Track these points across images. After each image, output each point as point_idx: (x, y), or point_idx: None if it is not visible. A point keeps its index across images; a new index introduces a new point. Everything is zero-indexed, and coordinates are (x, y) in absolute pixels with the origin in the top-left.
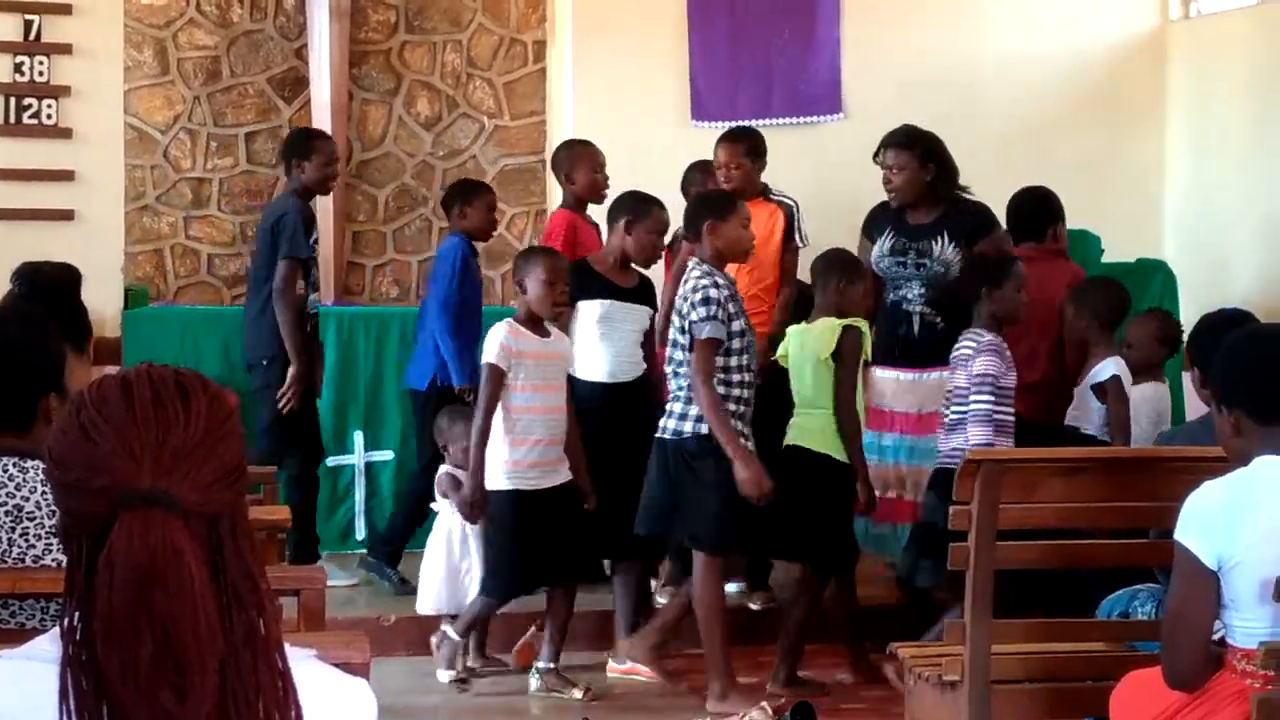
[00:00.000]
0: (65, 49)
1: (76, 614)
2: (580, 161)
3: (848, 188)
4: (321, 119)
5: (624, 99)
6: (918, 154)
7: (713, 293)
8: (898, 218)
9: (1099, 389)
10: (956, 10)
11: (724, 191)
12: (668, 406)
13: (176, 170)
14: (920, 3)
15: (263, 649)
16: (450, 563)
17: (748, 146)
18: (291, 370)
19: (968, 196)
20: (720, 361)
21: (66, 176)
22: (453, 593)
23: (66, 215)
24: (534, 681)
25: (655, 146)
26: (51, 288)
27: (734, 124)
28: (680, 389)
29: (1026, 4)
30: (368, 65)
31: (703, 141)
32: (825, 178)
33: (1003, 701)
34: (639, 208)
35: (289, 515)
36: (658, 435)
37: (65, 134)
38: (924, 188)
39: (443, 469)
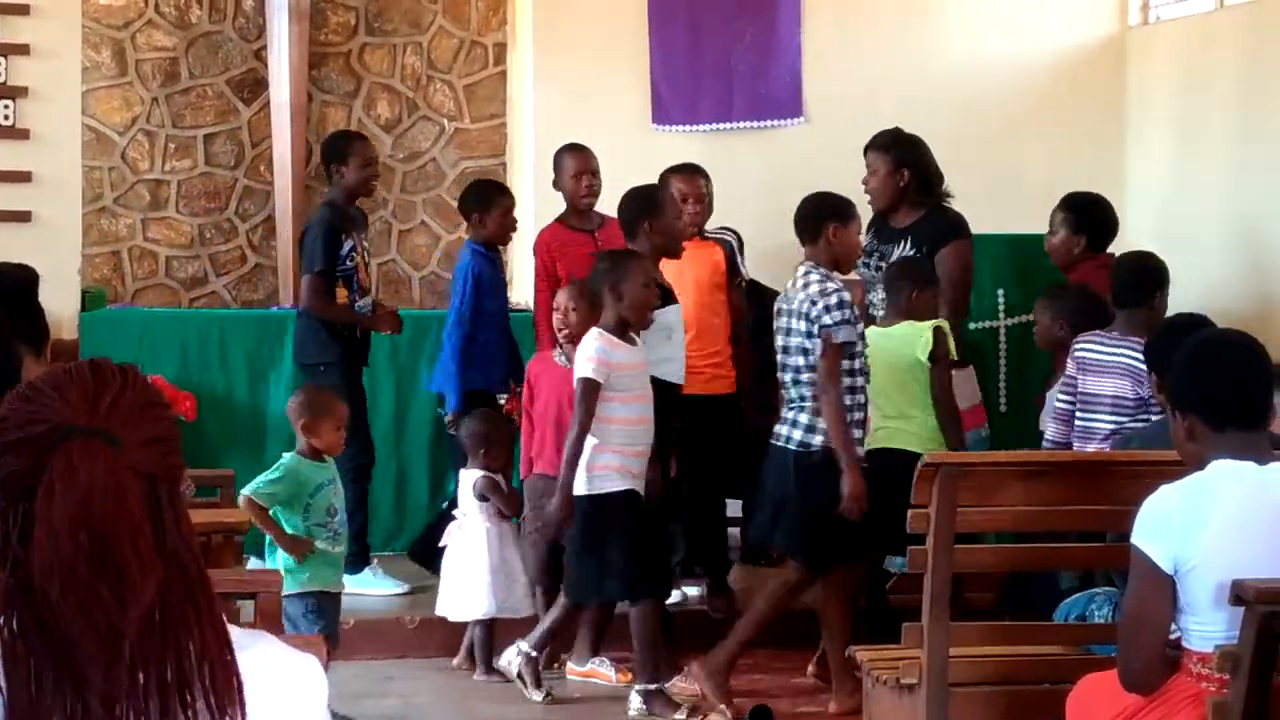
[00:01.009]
0: (23, 49)
1: (8, 580)
2: (560, 171)
3: (808, 191)
4: (280, 121)
5: (585, 102)
6: (892, 158)
7: (845, 295)
8: (881, 221)
9: None
10: (917, 15)
11: (842, 196)
12: (789, 415)
13: (134, 172)
14: (881, 7)
15: (206, 606)
16: (491, 565)
17: (707, 180)
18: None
19: (949, 205)
20: (845, 365)
21: (24, 178)
22: (496, 595)
23: (24, 217)
24: (511, 658)
25: (616, 149)
26: (8, 289)
27: (692, 128)
28: (803, 397)
29: (986, 10)
30: (327, 67)
31: (664, 145)
32: (786, 181)
33: (960, 704)
34: (648, 203)
35: (245, 519)
36: (776, 444)
37: (23, 135)
38: (897, 193)
39: (479, 474)
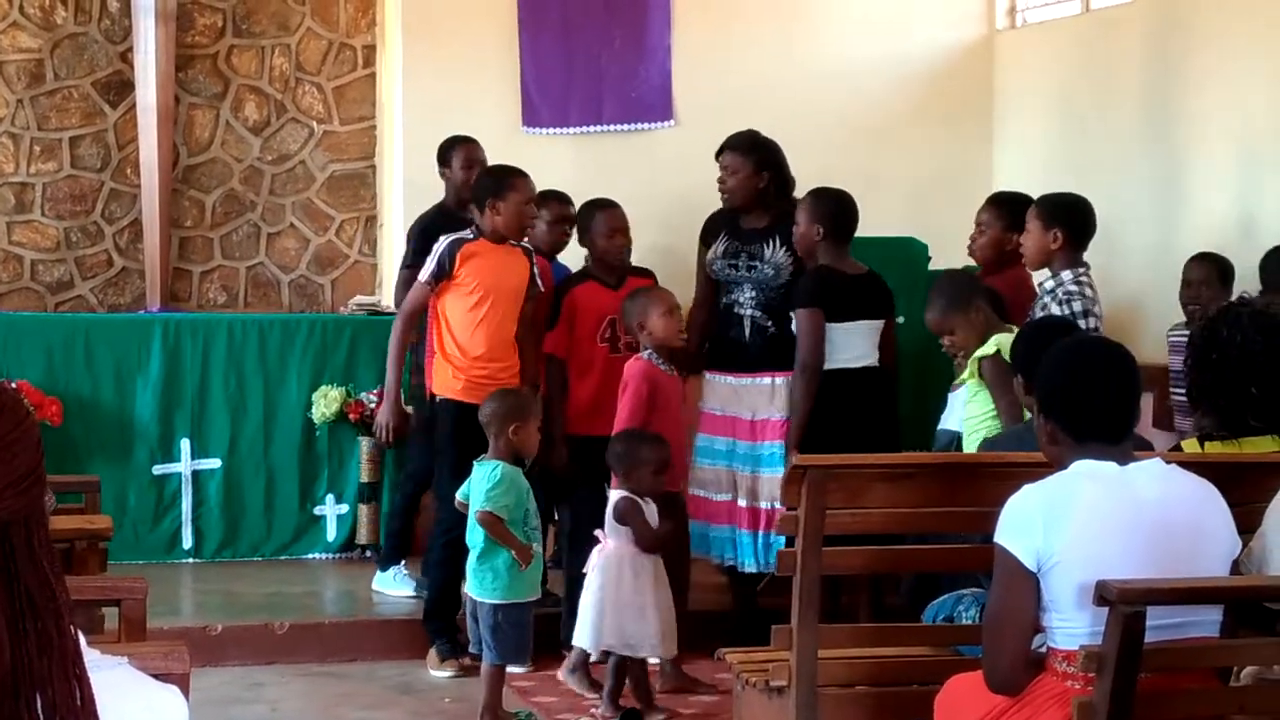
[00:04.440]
0: None
1: None
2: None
3: (679, 195)
4: (147, 123)
5: (454, 105)
6: (753, 160)
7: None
8: (732, 222)
9: None
10: (786, 18)
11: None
12: None
13: None
14: (751, 10)
15: (59, 658)
16: (620, 596)
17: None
18: None
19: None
20: None
21: None
22: (618, 629)
23: None
24: None
25: (486, 152)
26: None
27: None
28: None
29: (855, 13)
30: (194, 69)
31: (534, 148)
32: (657, 185)
33: (829, 706)
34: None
35: (109, 525)
36: None
37: None
38: (756, 194)
39: (618, 493)
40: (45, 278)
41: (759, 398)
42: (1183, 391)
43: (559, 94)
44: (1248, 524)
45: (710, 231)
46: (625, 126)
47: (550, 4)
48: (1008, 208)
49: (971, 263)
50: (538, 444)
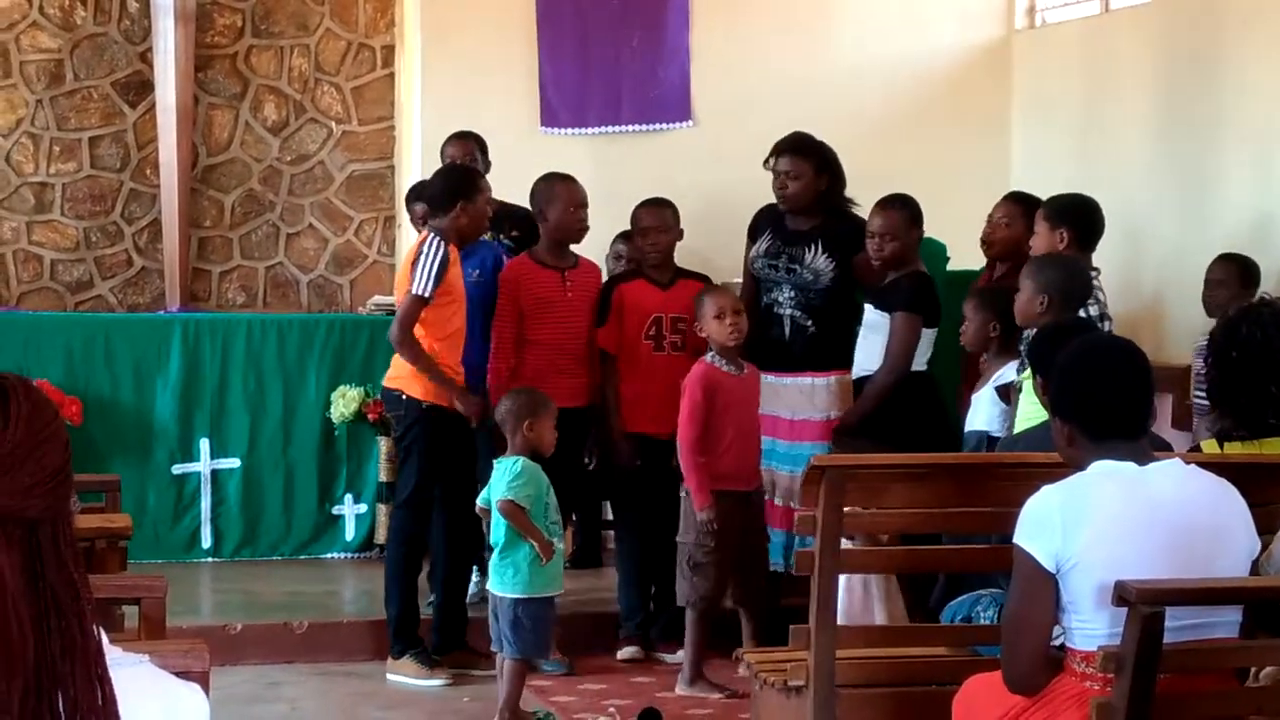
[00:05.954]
0: None
1: None
2: (556, 199)
3: (697, 195)
4: (167, 123)
5: (473, 105)
6: (814, 163)
7: None
8: (778, 221)
9: (1004, 391)
10: (805, 18)
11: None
12: None
13: (19, 175)
14: (768, 11)
15: (81, 658)
16: (851, 611)
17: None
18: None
19: (850, 209)
20: None
21: None
22: None
23: None
24: None
25: (504, 153)
26: None
27: (585, 131)
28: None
29: (874, 14)
30: (214, 69)
31: (552, 148)
32: (674, 185)
33: (847, 706)
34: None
35: (129, 524)
36: None
37: None
38: (816, 196)
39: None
40: (65, 277)
41: (798, 397)
42: (1204, 394)
43: (577, 94)
44: (1268, 525)
45: (757, 228)
46: (643, 127)
47: (568, 4)
48: (1030, 206)
49: (982, 259)
50: (554, 440)
